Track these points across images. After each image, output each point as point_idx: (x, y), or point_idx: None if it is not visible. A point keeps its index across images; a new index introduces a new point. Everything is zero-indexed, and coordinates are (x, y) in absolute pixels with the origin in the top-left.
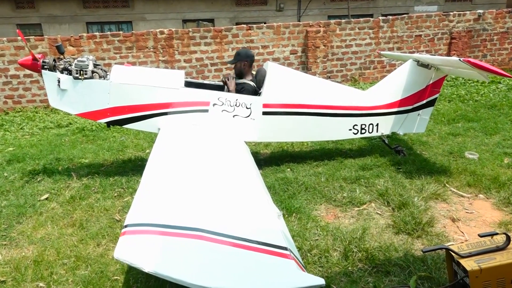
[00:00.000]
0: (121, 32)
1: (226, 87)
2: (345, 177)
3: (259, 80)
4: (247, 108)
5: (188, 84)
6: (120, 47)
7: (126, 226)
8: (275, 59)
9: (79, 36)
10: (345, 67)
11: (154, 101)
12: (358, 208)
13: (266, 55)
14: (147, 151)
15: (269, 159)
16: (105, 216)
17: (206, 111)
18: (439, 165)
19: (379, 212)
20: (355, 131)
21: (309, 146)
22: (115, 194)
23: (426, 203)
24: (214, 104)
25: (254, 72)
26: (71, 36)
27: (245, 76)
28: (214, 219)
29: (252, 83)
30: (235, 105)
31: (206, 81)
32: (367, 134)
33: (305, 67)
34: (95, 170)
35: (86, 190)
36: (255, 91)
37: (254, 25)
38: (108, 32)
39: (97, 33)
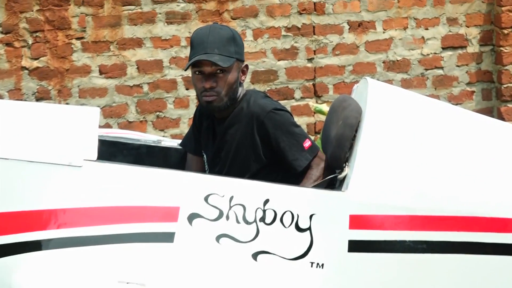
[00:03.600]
0: None
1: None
2: None
3: (339, 138)
4: (298, 229)
5: (109, 154)
6: None
7: None
8: (393, 69)
9: None
10: None
11: None
12: None
13: (367, 52)
14: None
15: None
16: None
17: (169, 237)
18: None
19: None
20: None
21: None
22: None
23: None
24: (192, 217)
25: (315, 105)
26: None
27: (239, 101)
28: None
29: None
30: (261, 219)
31: (166, 141)
32: None
33: (493, 89)
34: None
35: None
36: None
37: None
38: None
39: None
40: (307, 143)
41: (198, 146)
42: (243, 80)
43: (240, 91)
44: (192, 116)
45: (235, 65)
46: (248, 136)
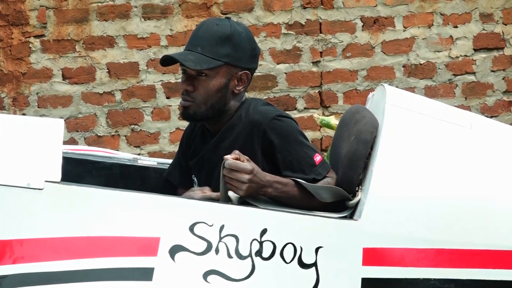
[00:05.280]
0: None
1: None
2: None
3: (351, 156)
4: (302, 265)
5: (75, 174)
6: None
7: None
8: (415, 74)
9: None
10: None
11: None
12: None
13: (384, 54)
14: None
15: None
16: None
17: (147, 274)
18: None
19: None
20: None
21: None
22: None
23: None
24: (175, 250)
25: (321, 117)
26: None
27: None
28: None
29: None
30: (257, 253)
31: (143, 159)
32: None
33: None
34: None
35: None
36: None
37: None
38: None
39: None
40: (317, 157)
41: (184, 177)
42: (239, 90)
43: (234, 103)
44: (173, 130)
45: (223, 70)
46: (246, 149)
